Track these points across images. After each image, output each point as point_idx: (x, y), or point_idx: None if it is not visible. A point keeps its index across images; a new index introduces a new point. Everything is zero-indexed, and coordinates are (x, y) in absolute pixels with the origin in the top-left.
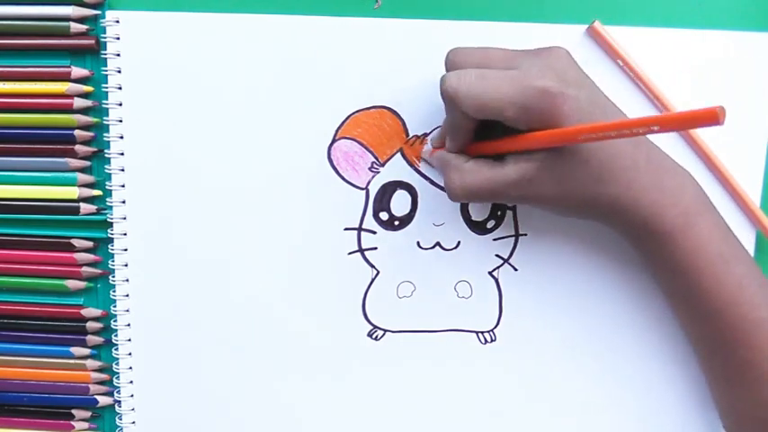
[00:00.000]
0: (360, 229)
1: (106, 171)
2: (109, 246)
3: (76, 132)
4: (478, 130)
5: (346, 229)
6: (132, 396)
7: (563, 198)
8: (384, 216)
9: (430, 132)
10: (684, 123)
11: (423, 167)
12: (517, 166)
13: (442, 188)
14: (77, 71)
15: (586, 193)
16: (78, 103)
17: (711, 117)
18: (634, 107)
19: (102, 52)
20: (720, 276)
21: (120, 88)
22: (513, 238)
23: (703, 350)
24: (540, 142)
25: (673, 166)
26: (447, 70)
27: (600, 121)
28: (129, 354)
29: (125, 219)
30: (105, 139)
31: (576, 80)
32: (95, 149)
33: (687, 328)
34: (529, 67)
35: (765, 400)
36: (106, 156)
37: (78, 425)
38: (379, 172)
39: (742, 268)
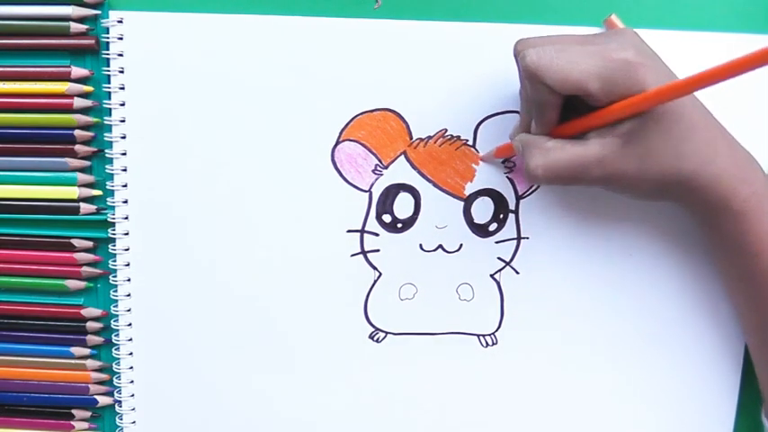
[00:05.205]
0: (362, 232)
1: (108, 171)
2: (110, 245)
3: (76, 132)
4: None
5: (349, 231)
6: (132, 396)
7: (645, 175)
8: (387, 218)
9: (434, 135)
10: (755, 62)
11: (425, 171)
12: (602, 142)
13: (445, 191)
14: (77, 71)
15: (667, 169)
16: (78, 103)
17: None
18: None
19: (104, 52)
20: None
21: (122, 88)
22: (515, 241)
23: (758, 333)
24: (630, 108)
25: (741, 146)
26: (516, 59)
27: None
28: (130, 353)
29: (127, 218)
30: (107, 139)
31: (651, 54)
32: (95, 149)
33: (745, 310)
34: (606, 43)
35: None
36: (107, 156)
37: (78, 425)
38: (382, 174)
39: None
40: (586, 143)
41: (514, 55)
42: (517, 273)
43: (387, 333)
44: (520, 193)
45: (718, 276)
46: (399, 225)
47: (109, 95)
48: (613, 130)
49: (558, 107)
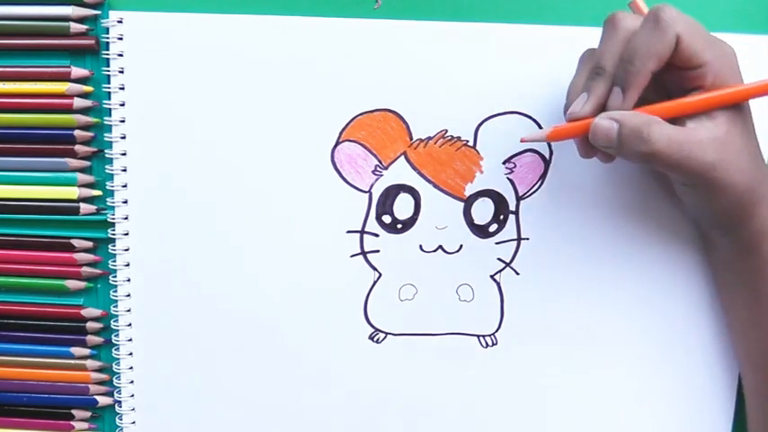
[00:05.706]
0: (362, 232)
1: (108, 171)
2: (110, 246)
3: (76, 132)
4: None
5: (349, 231)
6: (132, 396)
7: (740, 170)
8: (387, 219)
9: (434, 135)
10: None
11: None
12: (707, 126)
13: (445, 192)
14: (77, 71)
15: (752, 170)
16: (78, 103)
17: None
18: None
19: (104, 52)
20: None
21: (122, 88)
22: (516, 242)
23: (758, 361)
24: (751, 92)
25: None
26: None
27: None
28: (130, 354)
29: (127, 219)
30: (107, 139)
31: None
32: (95, 149)
33: (747, 339)
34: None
35: None
36: (107, 156)
37: (78, 425)
38: (382, 175)
39: None
40: (692, 127)
41: None
42: (517, 274)
43: (387, 334)
44: (520, 194)
45: (723, 305)
46: (399, 226)
47: (109, 95)
48: (713, 117)
49: (651, 75)
